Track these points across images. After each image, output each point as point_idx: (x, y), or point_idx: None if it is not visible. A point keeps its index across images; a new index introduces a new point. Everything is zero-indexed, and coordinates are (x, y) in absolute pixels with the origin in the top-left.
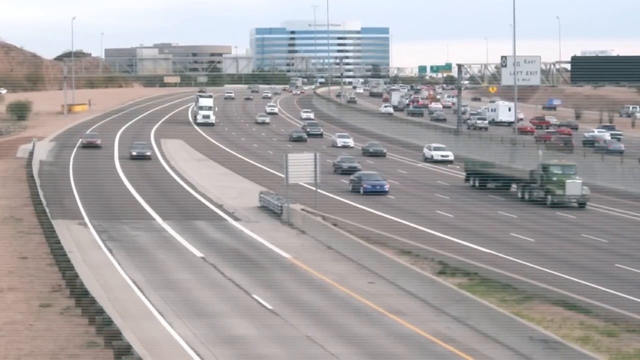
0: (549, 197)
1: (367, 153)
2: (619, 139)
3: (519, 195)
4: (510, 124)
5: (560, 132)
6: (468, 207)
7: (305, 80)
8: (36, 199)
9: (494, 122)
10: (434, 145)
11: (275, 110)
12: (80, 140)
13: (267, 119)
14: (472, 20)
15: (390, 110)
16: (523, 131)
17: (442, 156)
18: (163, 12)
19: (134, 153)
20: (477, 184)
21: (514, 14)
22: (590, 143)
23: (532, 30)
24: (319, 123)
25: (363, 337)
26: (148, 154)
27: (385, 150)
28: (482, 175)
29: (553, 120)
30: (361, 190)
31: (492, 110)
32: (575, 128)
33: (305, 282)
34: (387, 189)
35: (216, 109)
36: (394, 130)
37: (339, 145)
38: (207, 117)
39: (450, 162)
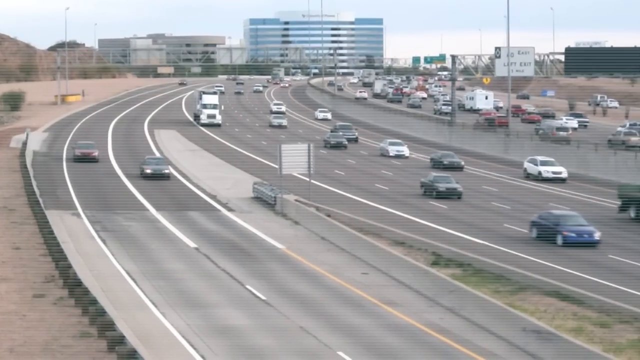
0: None
1: (439, 165)
2: (585, 126)
3: None
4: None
5: (531, 118)
6: None
7: (299, 70)
8: (29, 189)
9: (472, 110)
10: (541, 159)
11: (283, 109)
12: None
13: (284, 121)
14: (466, 11)
15: (365, 95)
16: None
17: (554, 173)
18: (156, 2)
19: (148, 171)
20: None
21: (508, 5)
22: (539, 129)
23: (526, 21)
24: (352, 126)
25: (356, 327)
26: (166, 172)
27: (462, 163)
28: None
29: (531, 108)
30: (559, 240)
31: (470, 99)
32: (552, 116)
33: (299, 273)
34: (597, 239)
35: (222, 107)
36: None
37: (390, 154)
38: (213, 116)
39: (563, 180)
